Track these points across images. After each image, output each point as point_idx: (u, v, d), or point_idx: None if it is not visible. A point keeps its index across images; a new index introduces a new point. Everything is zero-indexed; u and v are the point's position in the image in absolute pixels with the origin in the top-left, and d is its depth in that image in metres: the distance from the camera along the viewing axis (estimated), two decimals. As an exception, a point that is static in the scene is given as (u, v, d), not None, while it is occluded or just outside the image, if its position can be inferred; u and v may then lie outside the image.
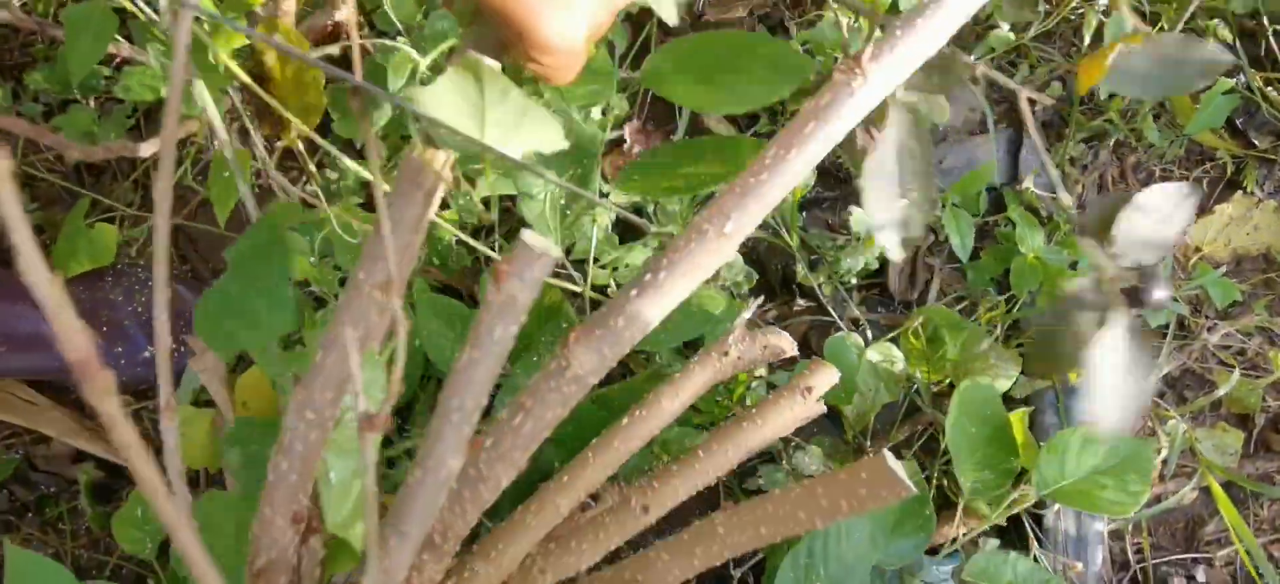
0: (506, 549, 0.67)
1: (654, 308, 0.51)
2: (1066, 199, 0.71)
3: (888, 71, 0.49)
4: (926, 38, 0.49)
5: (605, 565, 0.73)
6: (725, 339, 0.68)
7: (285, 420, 0.56)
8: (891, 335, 0.94)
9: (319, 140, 0.79)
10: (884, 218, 0.60)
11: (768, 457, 0.94)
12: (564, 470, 0.68)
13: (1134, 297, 0.71)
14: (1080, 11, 1.07)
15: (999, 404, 0.87)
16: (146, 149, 0.84)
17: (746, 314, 0.69)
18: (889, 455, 0.58)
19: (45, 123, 1.05)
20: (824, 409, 0.70)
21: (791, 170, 0.49)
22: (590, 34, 0.43)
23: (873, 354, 0.92)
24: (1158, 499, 0.95)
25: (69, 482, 0.98)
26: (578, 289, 0.87)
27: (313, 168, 0.95)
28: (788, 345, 0.69)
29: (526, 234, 0.45)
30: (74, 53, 0.79)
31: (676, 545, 0.67)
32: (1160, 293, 0.72)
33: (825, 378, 0.67)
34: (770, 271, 1.01)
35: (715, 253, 0.50)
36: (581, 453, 0.68)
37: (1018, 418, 0.88)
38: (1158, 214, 0.71)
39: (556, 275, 0.87)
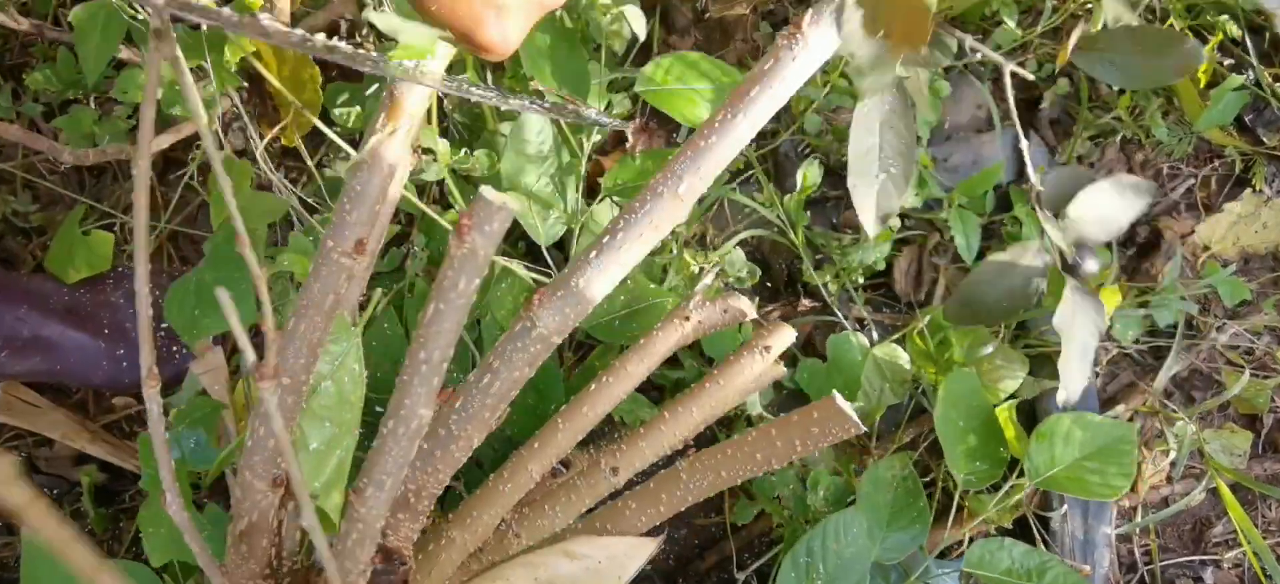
0: (481, 515, 0.68)
1: (613, 268, 0.53)
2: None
3: (827, 34, 0.51)
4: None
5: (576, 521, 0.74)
6: (686, 304, 0.70)
7: (262, 386, 0.57)
8: (897, 336, 0.93)
9: (323, 129, 0.78)
10: (863, 194, 0.63)
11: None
12: (535, 437, 0.69)
13: (1070, 267, 0.73)
14: (1088, 6, 1.06)
15: (985, 396, 0.86)
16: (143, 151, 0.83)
17: (706, 280, 0.70)
18: (838, 395, 0.61)
19: (46, 123, 1.05)
20: (784, 372, 0.69)
21: (739, 131, 0.52)
22: (524, 32, 0.47)
23: (878, 354, 0.92)
24: (1165, 501, 0.94)
25: (72, 484, 0.98)
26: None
27: (312, 165, 0.95)
28: (747, 307, 0.71)
29: (485, 190, 0.47)
30: (86, 52, 0.78)
31: (643, 494, 0.69)
32: (1091, 265, 0.75)
33: (782, 338, 0.70)
34: (775, 271, 1.00)
35: (670, 213, 0.53)
36: (551, 419, 0.69)
37: (1005, 410, 0.87)
38: (1113, 201, 0.73)
39: (539, 266, 0.87)
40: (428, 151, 0.86)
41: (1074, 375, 0.68)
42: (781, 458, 0.65)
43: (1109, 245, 1.00)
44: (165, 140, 0.84)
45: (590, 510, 0.73)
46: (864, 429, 0.63)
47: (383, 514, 0.56)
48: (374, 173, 0.52)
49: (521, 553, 0.70)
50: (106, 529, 0.96)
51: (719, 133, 0.53)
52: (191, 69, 0.82)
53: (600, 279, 0.55)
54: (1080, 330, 0.68)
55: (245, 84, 0.84)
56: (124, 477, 0.98)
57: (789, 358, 0.96)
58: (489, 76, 0.93)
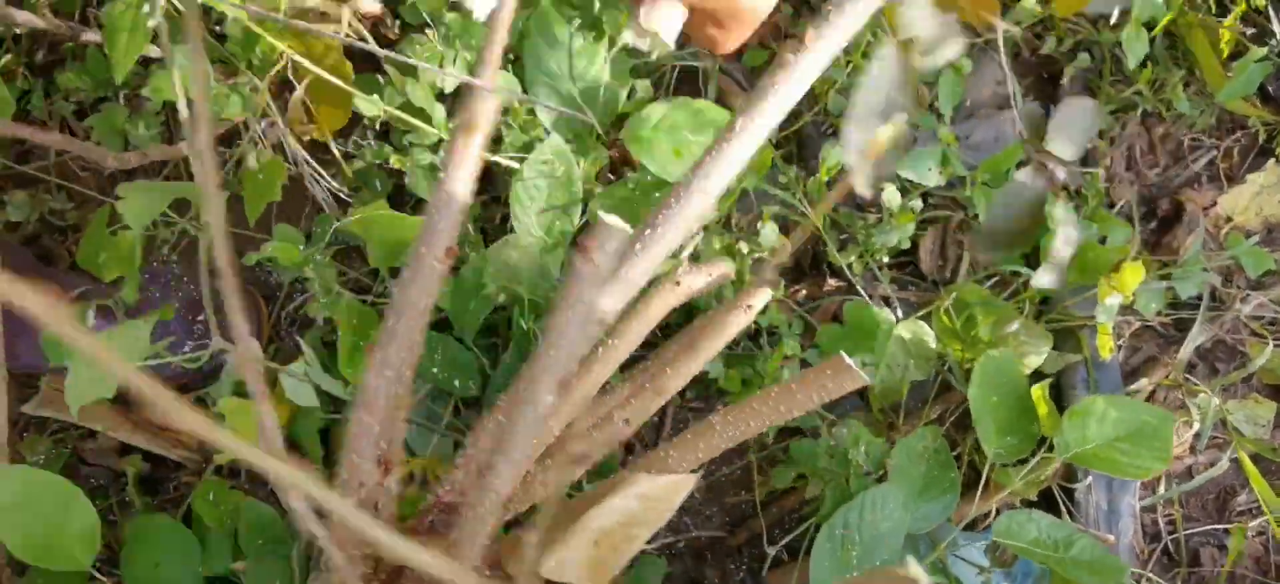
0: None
1: (654, 256, 0.61)
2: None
3: (828, 40, 0.56)
4: (860, 11, 0.56)
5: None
6: (675, 270, 0.78)
7: (366, 378, 0.64)
8: (923, 313, 0.95)
9: (388, 112, 0.79)
10: (860, 155, 0.69)
11: (804, 433, 0.95)
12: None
13: (1063, 181, 0.82)
14: (1108, -20, 1.06)
15: (1020, 374, 0.88)
16: (179, 150, 0.85)
17: (686, 252, 0.75)
18: (845, 355, 0.69)
19: (77, 121, 1.07)
20: (866, 380, 0.72)
21: (748, 140, 0.58)
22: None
23: (903, 331, 0.93)
24: (1189, 471, 0.96)
25: (117, 474, 1.01)
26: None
27: (341, 158, 0.96)
28: (729, 270, 0.82)
29: (604, 214, 0.50)
30: (115, 50, 0.80)
31: (681, 443, 0.77)
32: (1075, 179, 0.83)
33: (762, 296, 0.79)
34: (800, 252, 1.01)
35: (701, 204, 0.60)
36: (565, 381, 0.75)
37: (1039, 389, 0.89)
38: (1077, 123, 0.82)
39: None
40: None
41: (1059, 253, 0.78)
42: (801, 407, 0.73)
43: (1130, 220, 1.01)
44: (182, 149, 0.85)
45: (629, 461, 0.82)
46: (868, 381, 0.70)
47: (513, 480, 0.62)
48: (457, 184, 0.57)
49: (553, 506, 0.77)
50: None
51: (737, 135, 0.60)
52: (228, 69, 0.84)
53: (645, 263, 0.61)
54: (1065, 226, 0.76)
55: (290, 72, 0.85)
56: (167, 465, 1.00)
57: (811, 335, 0.97)
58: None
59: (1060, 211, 0.80)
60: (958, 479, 0.86)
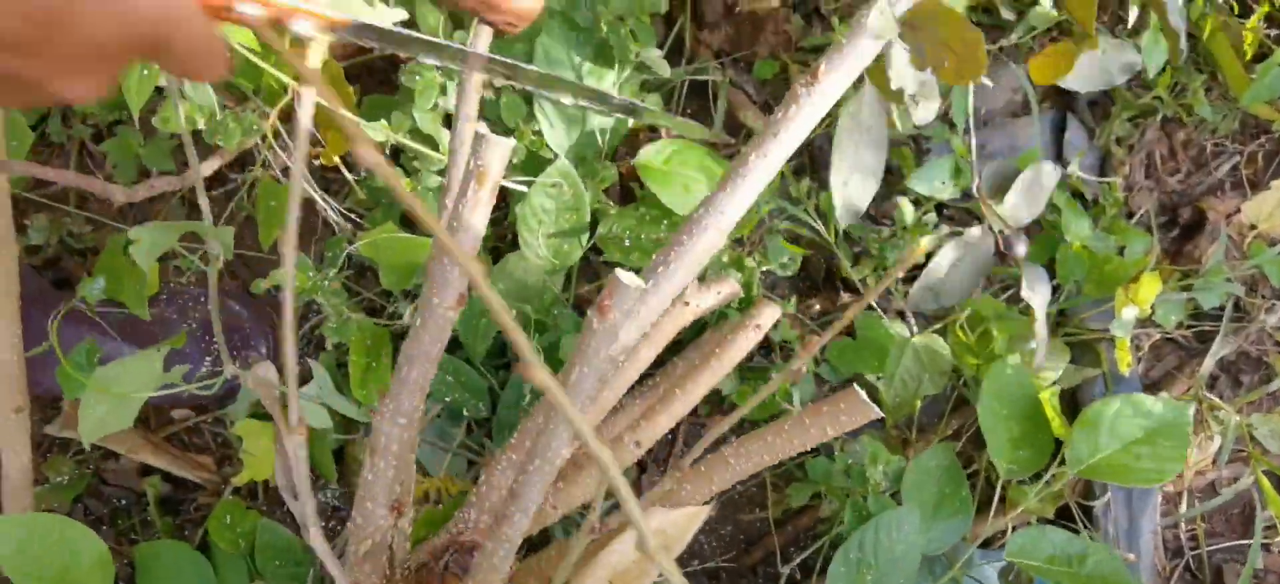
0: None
1: (667, 290, 0.63)
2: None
3: (838, 76, 0.59)
4: (866, 48, 0.59)
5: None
6: (684, 291, 0.79)
7: (378, 425, 0.66)
8: (938, 327, 0.94)
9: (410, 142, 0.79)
10: (840, 189, 0.79)
11: (820, 452, 0.95)
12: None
13: (1004, 248, 0.90)
14: (1125, -18, 1.04)
15: (1031, 384, 0.87)
16: (188, 179, 0.86)
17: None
18: (857, 388, 0.69)
19: (95, 144, 1.08)
20: (877, 414, 0.72)
21: (762, 172, 0.61)
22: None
23: (917, 343, 0.92)
24: (1212, 486, 0.94)
25: (138, 494, 1.02)
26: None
27: (352, 180, 0.97)
28: (736, 289, 0.83)
29: (620, 273, 0.51)
30: (129, 85, 0.80)
31: (695, 475, 0.78)
32: (1020, 248, 0.91)
33: (770, 314, 0.80)
34: (813, 266, 1.00)
35: (711, 243, 0.62)
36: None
37: (1047, 395, 0.87)
38: (1031, 188, 0.86)
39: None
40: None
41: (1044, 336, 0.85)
42: (813, 440, 0.73)
43: (1150, 228, 0.99)
44: (212, 165, 0.86)
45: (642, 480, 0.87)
46: (880, 415, 0.70)
47: (525, 530, 0.64)
48: (469, 233, 0.58)
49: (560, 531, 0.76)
50: (173, 537, 1.01)
51: (749, 170, 0.62)
52: (236, 95, 0.84)
53: (657, 300, 0.64)
54: (1039, 297, 0.84)
55: (293, 96, 0.85)
56: (187, 486, 1.02)
57: (822, 351, 0.97)
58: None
59: (1038, 291, 0.84)
60: (970, 498, 0.85)
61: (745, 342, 0.82)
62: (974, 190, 0.90)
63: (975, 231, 0.90)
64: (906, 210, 0.91)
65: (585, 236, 0.89)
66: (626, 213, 0.91)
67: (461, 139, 0.67)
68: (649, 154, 0.91)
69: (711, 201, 0.61)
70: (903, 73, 0.62)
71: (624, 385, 0.82)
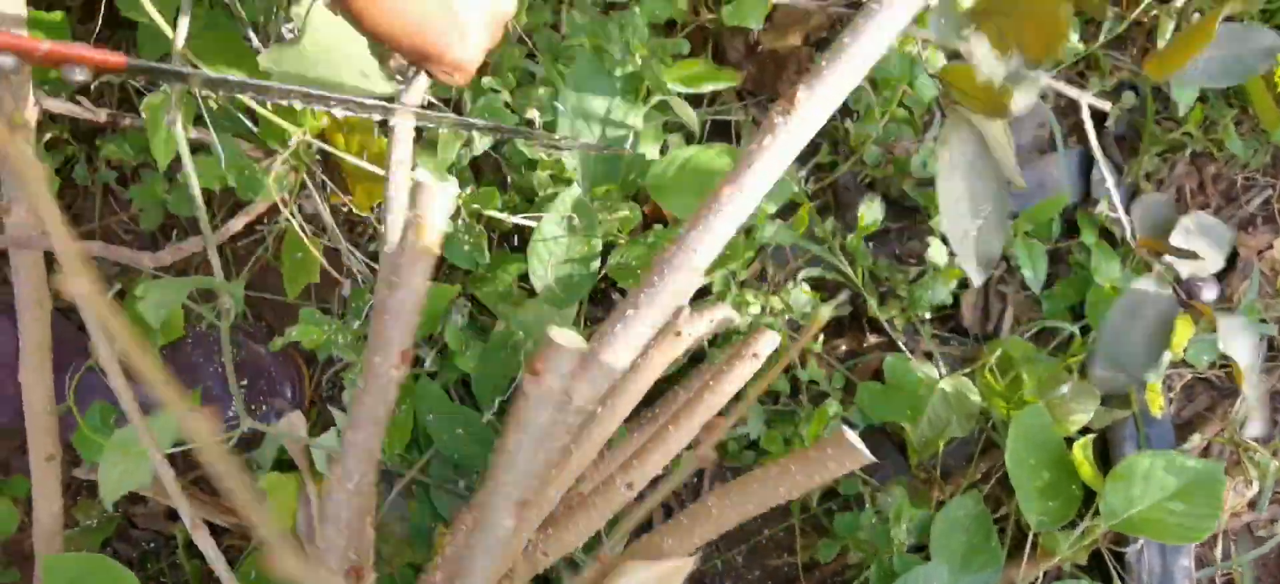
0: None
1: (635, 337, 0.58)
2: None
3: (817, 103, 0.54)
4: (848, 70, 0.54)
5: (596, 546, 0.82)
6: (676, 319, 0.75)
7: (329, 493, 0.64)
8: (968, 370, 0.93)
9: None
10: (961, 242, 0.64)
11: (847, 504, 0.94)
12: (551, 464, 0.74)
13: (1186, 297, 0.74)
14: (1154, 13, 1.03)
15: (1057, 432, 0.86)
16: (215, 238, 0.86)
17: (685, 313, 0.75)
18: (847, 429, 0.65)
19: (120, 188, 1.09)
20: (868, 458, 0.70)
21: (735, 208, 0.56)
22: (485, 51, 0.49)
23: (945, 386, 0.91)
24: (1248, 528, 0.93)
25: (167, 538, 1.03)
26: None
27: (381, 229, 0.97)
28: (733, 315, 0.79)
29: (554, 331, 0.49)
30: (156, 140, 0.81)
31: (676, 528, 0.74)
32: (1210, 292, 0.78)
33: (768, 342, 0.76)
34: (838, 307, 1.00)
35: (686, 283, 0.57)
36: (563, 445, 0.73)
37: (1080, 445, 0.86)
38: (1211, 234, 0.77)
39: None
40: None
41: (1254, 399, 0.74)
42: (801, 488, 0.69)
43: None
44: (239, 222, 0.86)
45: (630, 542, 0.81)
46: (872, 459, 0.66)
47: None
48: (409, 289, 0.55)
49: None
50: (201, 582, 1.01)
51: (723, 205, 0.57)
52: (264, 148, 0.85)
53: (625, 350, 0.59)
54: (1244, 353, 0.70)
55: (319, 156, 0.86)
56: (215, 530, 1.02)
57: (850, 390, 0.96)
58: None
59: (1242, 343, 0.68)
60: (1000, 549, 0.84)
61: (743, 371, 0.78)
62: (1128, 237, 0.78)
63: (1148, 282, 0.74)
64: (939, 251, 0.90)
65: (597, 264, 0.87)
66: (636, 242, 0.90)
67: (397, 185, 0.65)
68: (658, 169, 0.88)
69: (682, 240, 0.57)
70: (989, 64, 0.57)
71: (616, 420, 0.78)
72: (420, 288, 0.57)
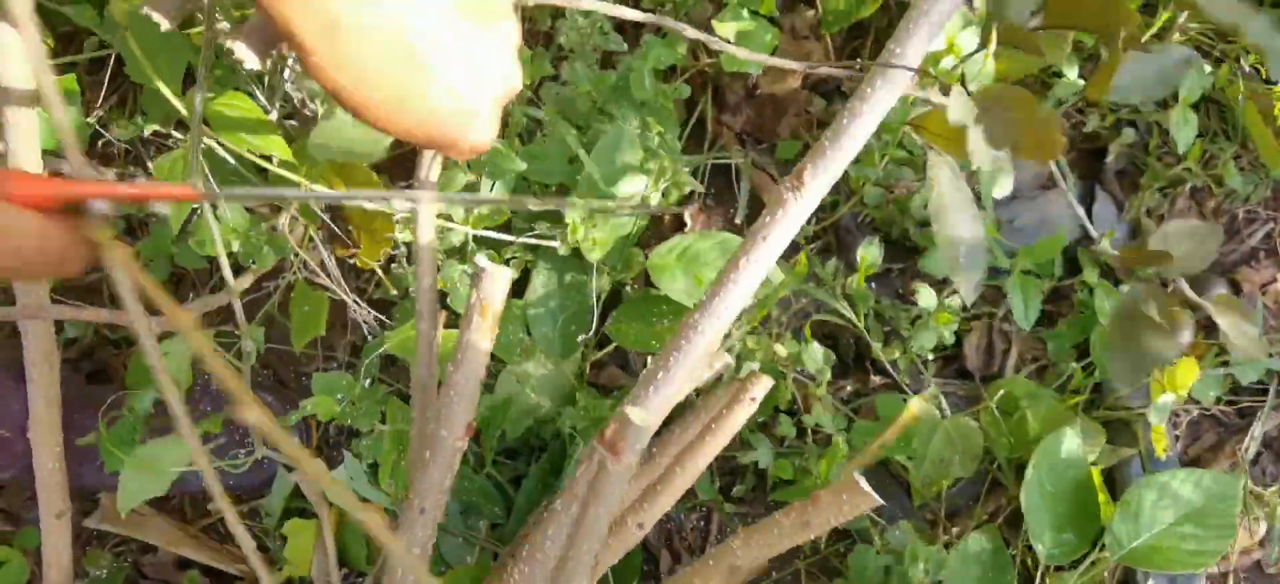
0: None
1: (667, 398, 0.62)
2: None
3: (822, 179, 0.59)
4: (848, 148, 0.59)
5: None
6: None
7: (393, 557, 0.67)
8: (973, 410, 0.93)
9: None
10: (951, 264, 0.69)
11: (853, 544, 0.94)
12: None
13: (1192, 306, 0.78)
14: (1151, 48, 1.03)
15: (1082, 460, 0.85)
16: (219, 300, 0.87)
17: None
18: (857, 474, 0.69)
19: (131, 239, 1.10)
20: (877, 501, 0.71)
21: (752, 276, 0.61)
22: (496, 129, 0.49)
23: (949, 427, 0.91)
24: (1258, 566, 0.92)
25: (176, 588, 1.03)
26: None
27: (386, 279, 0.98)
28: (730, 360, 0.82)
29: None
30: (154, 248, 0.82)
31: (703, 568, 0.79)
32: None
33: (763, 386, 0.80)
34: (842, 347, 1.00)
35: (711, 343, 0.62)
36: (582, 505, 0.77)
37: (1097, 471, 0.86)
38: (1190, 241, 0.79)
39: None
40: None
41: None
42: (817, 530, 0.74)
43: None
44: (244, 281, 0.87)
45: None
46: (881, 502, 0.70)
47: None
48: (472, 365, 0.57)
49: None
50: (211, 630, 1.02)
51: (740, 275, 0.61)
52: (270, 206, 0.86)
53: (660, 410, 0.63)
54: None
55: (324, 212, 0.87)
56: (225, 579, 1.02)
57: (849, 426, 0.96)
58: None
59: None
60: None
61: (742, 414, 0.82)
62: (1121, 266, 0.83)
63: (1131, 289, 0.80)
64: (926, 294, 0.90)
65: (591, 318, 0.89)
66: (634, 302, 0.91)
67: (425, 267, 0.67)
68: (661, 252, 0.91)
69: (705, 307, 0.62)
70: (980, 152, 0.61)
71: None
72: (481, 364, 0.60)
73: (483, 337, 0.58)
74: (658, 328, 0.91)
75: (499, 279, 0.56)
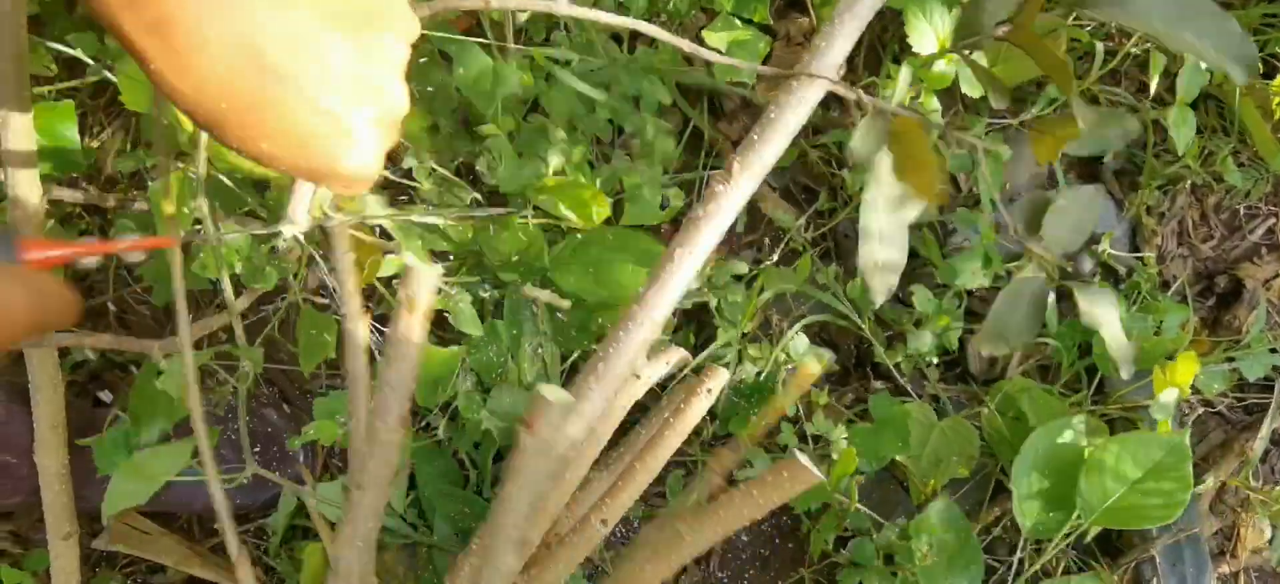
0: None
1: (607, 386, 0.63)
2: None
3: (753, 170, 0.60)
4: (775, 142, 0.60)
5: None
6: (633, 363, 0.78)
7: (337, 552, 0.69)
8: (972, 411, 0.92)
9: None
10: (871, 272, 0.73)
11: (857, 533, 0.94)
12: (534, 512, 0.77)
13: (1069, 273, 0.80)
14: (1147, 46, 1.03)
15: (1074, 440, 0.86)
16: (223, 319, 0.88)
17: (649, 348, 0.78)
18: (798, 452, 0.70)
19: (133, 262, 1.11)
20: (820, 477, 0.71)
21: (687, 267, 0.62)
22: (383, 155, 0.43)
23: (946, 426, 0.91)
24: (1275, 573, 0.91)
25: (184, 608, 1.04)
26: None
27: (388, 295, 0.98)
28: (685, 355, 0.84)
29: (544, 388, 0.57)
30: (162, 223, 0.82)
31: (652, 554, 0.77)
32: (1086, 264, 0.88)
33: (719, 379, 0.81)
34: (843, 353, 1.00)
35: (648, 333, 0.62)
36: (541, 503, 0.79)
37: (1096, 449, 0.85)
38: (1075, 211, 0.81)
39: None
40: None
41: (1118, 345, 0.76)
42: (762, 510, 0.74)
43: (1186, 298, 0.97)
44: (244, 301, 0.88)
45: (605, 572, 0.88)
46: (823, 478, 0.70)
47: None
48: (404, 360, 0.61)
49: None
50: (219, 650, 1.02)
51: (677, 264, 0.63)
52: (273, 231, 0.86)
53: (599, 399, 0.64)
54: (1104, 313, 0.76)
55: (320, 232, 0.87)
56: (232, 598, 1.03)
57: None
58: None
59: (1102, 307, 0.79)
60: (978, 547, 0.86)
61: (699, 407, 0.83)
62: (1011, 230, 0.87)
63: (1026, 272, 0.85)
64: (924, 298, 0.90)
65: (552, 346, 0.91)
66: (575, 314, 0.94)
67: (347, 288, 0.68)
68: (557, 253, 0.92)
69: (643, 297, 0.63)
70: (885, 180, 0.63)
71: (585, 465, 0.84)
72: (413, 358, 0.62)
73: (412, 331, 0.60)
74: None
75: (424, 277, 0.59)
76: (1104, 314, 0.78)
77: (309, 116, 0.38)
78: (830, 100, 1.07)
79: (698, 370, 0.89)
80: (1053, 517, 0.86)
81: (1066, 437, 0.87)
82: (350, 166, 0.40)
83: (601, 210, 0.87)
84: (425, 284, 0.60)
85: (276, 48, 0.35)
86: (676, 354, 0.86)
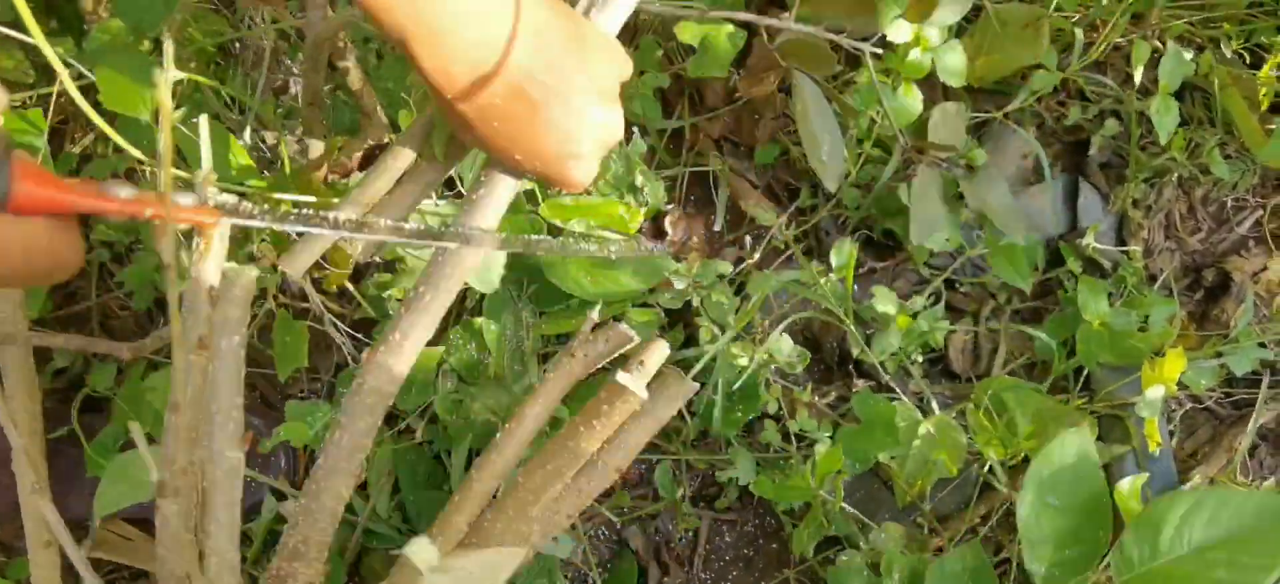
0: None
1: (425, 322, 0.62)
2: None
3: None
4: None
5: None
6: (571, 343, 0.75)
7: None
8: (958, 409, 0.91)
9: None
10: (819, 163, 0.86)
11: (846, 544, 0.93)
12: (456, 494, 0.73)
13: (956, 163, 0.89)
14: (1130, 37, 1.02)
15: (1092, 465, 0.75)
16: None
17: (588, 326, 0.74)
18: (621, 374, 0.68)
19: (116, 265, 1.10)
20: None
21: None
22: (593, 172, 0.55)
23: (932, 425, 0.90)
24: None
25: (167, 615, 1.03)
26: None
27: (363, 300, 0.97)
28: (629, 333, 0.77)
29: (622, 376, 0.60)
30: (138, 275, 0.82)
31: (501, 513, 0.73)
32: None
33: (657, 354, 0.75)
34: (826, 351, 0.99)
35: (467, 263, 0.61)
36: (465, 476, 0.74)
37: (1134, 488, 0.75)
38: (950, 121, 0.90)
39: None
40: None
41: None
42: (594, 441, 0.71)
43: (1172, 293, 0.96)
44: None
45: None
46: (645, 397, 0.68)
47: (229, 549, 0.63)
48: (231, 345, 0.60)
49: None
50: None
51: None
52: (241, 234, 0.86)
53: (416, 333, 0.63)
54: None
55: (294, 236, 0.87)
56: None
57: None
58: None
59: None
60: None
61: (636, 382, 0.74)
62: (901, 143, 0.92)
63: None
64: (884, 297, 0.89)
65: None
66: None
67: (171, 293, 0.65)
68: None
69: (459, 220, 0.62)
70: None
71: (516, 450, 0.75)
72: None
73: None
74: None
75: (239, 280, 0.57)
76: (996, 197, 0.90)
77: (558, 143, 0.51)
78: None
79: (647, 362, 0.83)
80: (1068, 557, 0.74)
81: (1078, 453, 0.75)
82: (576, 178, 0.54)
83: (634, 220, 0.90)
84: (238, 290, 0.58)
85: (542, 93, 0.48)
86: (619, 334, 0.77)
